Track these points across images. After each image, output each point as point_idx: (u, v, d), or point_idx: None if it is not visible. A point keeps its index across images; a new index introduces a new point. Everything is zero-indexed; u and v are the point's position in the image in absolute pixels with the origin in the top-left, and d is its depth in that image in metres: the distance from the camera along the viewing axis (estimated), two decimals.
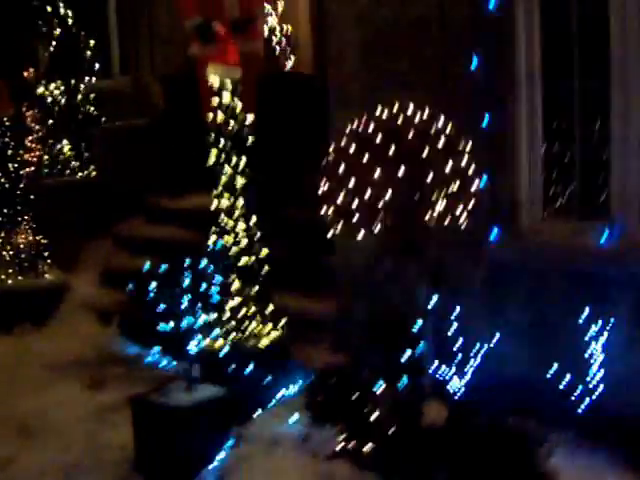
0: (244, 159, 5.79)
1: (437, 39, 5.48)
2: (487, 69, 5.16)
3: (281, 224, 6.43)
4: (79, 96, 9.03)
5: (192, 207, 7.72)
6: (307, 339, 5.91)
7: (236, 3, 7.89)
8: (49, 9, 9.06)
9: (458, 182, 4.47)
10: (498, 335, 5.06)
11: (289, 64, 9.09)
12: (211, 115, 6.05)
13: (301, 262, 6.56)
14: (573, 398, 4.84)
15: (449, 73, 5.37)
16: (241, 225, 5.76)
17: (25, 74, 8.95)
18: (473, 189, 4.53)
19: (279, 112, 7.50)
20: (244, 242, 5.74)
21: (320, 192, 4.73)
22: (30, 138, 8.48)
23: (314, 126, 8.06)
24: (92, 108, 9.09)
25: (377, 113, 4.73)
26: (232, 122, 5.82)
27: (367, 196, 4.53)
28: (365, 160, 4.57)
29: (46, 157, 8.73)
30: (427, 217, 4.46)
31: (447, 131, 4.57)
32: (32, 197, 8.23)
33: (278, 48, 8.94)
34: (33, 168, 8.43)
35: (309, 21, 9.22)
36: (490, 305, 5.20)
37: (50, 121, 8.97)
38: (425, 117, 4.62)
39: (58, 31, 9.08)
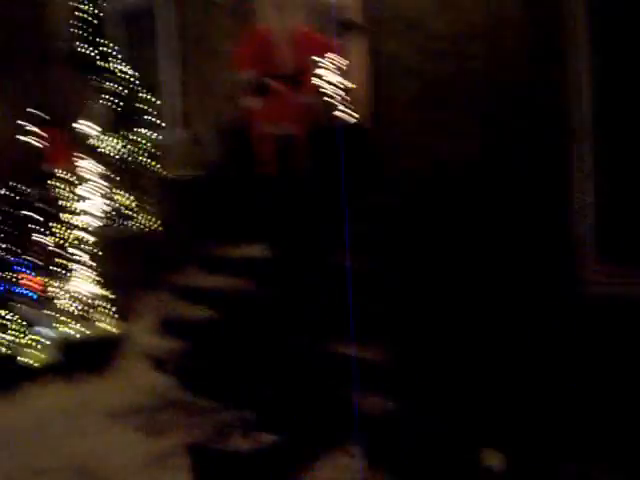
0: (300, 211, 5.91)
1: (485, 90, 5.60)
2: (537, 116, 5.25)
3: (333, 272, 6.50)
4: (137, 149, 9.21)
5: (247, 257, 7.82)
6: (362, 386, 5.95)
7: (289, 58, 8.10)
8: (108, 66, 9.30)
9: None
10: None
11: (344, 116, 9.21)
12: (265, 167, 6.18)
13: (353, 310, 6.62)
14: None
15: (502, 124, 5.47)
16: (295, 275, 5.86)
17: (84, 128, 9.16)
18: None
19: (336, 164, 7.59)
20: (299, 292, 5.84)
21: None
22: (87, 189, 8.66)
23: (371, 176, 8.19)
24: (150, 160, 9.27)
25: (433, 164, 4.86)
26: (289, 175, 5.94)
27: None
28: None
29: (104, 208, 8.90)
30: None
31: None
32: (91, 248, 8.43)
33: (336, 102, 9.07)
34: (91, 218, 8.60)
35: (365, 73, 9.35)
36: None
37: (109, 173, 9.16)
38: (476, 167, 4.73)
39: (116, 86, 9.29)
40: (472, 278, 5.22)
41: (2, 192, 9.02)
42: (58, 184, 8.51)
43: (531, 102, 5.25)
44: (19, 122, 10.21)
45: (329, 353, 5.90)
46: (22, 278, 8.51)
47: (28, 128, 10.17)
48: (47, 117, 10.10)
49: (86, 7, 9.48)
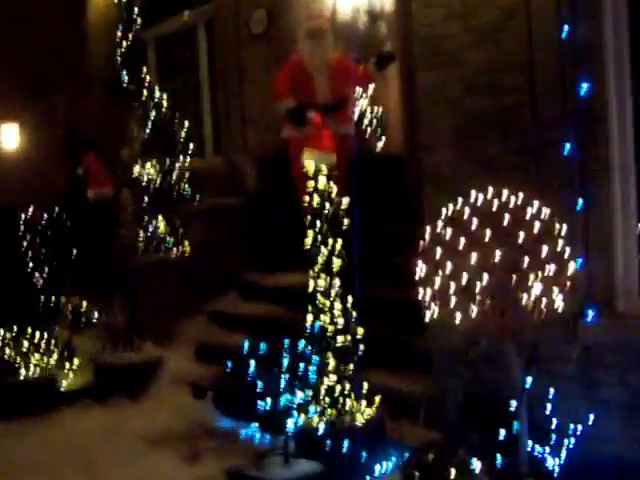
0: (340, 241, 5.94)
1: (529, 125, 5.63)
2: (580, 152, 5.28)
3: (373, 304, 6.55)
4: (173, 175, 9.33)
5: (285, 285, 7.90)
6: (401, 417, 5.98)
7: (327, 87, 8.18)
8: (145, 93, 9.44)
9: (553, 265, 4.57)
10: (593, 415, 5.08)
11: (379, 145, 9.32)
12: (305, 197, 6.23)
13: (393, 341, 6.66)
14: None
15: (541, 158, 5.50)
16: (337, 305, 5.88)
17: (121, 154, 9.32)
18: (569, 272, 4.62)
19: (369, 192, 7.67)
20: (340, 322, 5.87)
21: (417, 275, 4.88)
22: (125, 216, 8.80)
23: (404, 206, 8.21)
24: (186, 187, 9.38)
25: (471, 197, 4.89)
26: (327, 205, 5.98)
27: (463, 279, 4.67)
28: (461, 244, 4.72)
29: (141, 234, 9.02)
30: (523, 300, 4.57)
31: (542, 215, 4.70)
32: (128, 273, 8.54)
33: (368, 129, 9.18)
34: (128, 245, 8.73)
35: (399, 104, 9.44)
36: (585, 385, 5.23)
37: (145, 199, 9.29)
38: (519, 201, 4.76)
39: (153, 113, 9.43)
40: None
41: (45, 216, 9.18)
42: (100, 209, 8.66)
43: (576, 136, 5.28)
44: (61, 148, 10.48)
45: (372, 383, 5.94)
46: (63, 301, 8.64)
47: (71, 155, 10.41)
48: (88, 144, 10.28)
49: (125, 35, 9.63)
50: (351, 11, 9.74)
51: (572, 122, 5.33)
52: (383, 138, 9.35)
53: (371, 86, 9.09)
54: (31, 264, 8.98)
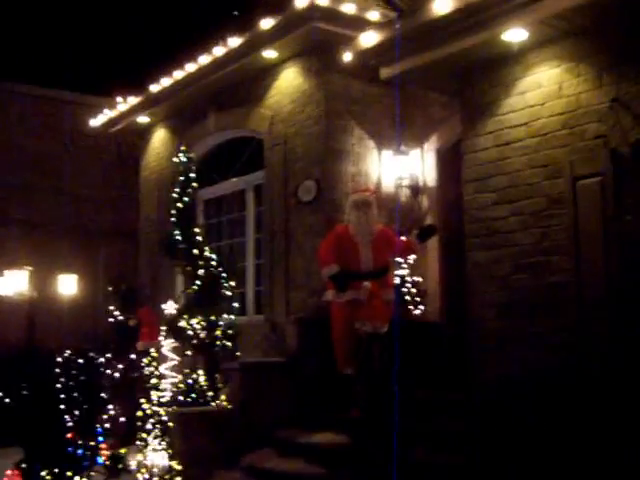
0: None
1: (574, 303, 6.01)
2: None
3: (416, 467, 6.71)
4: (217, 331, 9.64)
5: (322, 443, 8.06)
6: None
7: (370, 256, 8.62)
8: (196, 252, 9.86)
9: None
10: None
11: (417, 312, 9.72)
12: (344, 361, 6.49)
13: None
14: None
15: (587, 335, 5.85)
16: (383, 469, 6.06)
17: (168, 308, 9.66)
18: None
19: (410, 356, 7.97)
20: None
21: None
22: (167, 366, 9.06)
23: (443, 370, 8.49)
24: (227, 342, 9.67)
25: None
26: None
27: None
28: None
29: (182, 386, 9.27)
30: None
31: None
32: (167, 422, 8.78)
33: (408, 297, 9.59)
34: (169, 395, 8.97)
35: (438, 274, 9.92)
36: None
37: (188, 351, 9.60)
38: None
39: (201, 271, 9.82)
40: None
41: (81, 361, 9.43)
42: (146, 361, 8.95)
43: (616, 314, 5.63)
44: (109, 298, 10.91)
45: None
46: (101, 448, 8.83)
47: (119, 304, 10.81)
48: (138, 296, 10.67)
49: (177, 194, 10.14)
50: (394, 185, 10.33)
51: (617, 301, 5.71)
52: (421, 305, 9.75)
53: (414, 257, 9.54)
54: (64, 406, 9.16)
